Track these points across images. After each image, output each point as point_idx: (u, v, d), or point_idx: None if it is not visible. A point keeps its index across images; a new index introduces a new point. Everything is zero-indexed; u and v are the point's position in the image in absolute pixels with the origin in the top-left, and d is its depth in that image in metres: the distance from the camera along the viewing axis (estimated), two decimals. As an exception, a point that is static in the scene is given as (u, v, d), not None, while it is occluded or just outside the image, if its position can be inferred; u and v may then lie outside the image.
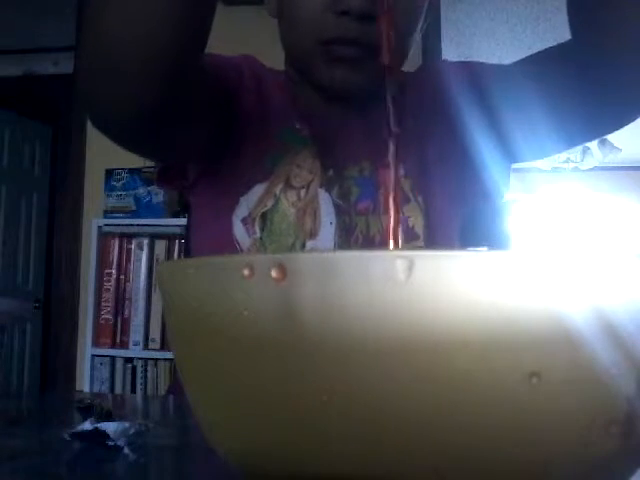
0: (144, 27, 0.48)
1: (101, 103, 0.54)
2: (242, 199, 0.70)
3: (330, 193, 0.70)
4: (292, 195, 0.70)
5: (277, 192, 0.70)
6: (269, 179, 0.70)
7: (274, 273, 0.21)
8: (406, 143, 0.73)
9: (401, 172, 0.72)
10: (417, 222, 0.71)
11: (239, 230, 0.70)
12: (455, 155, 0.72)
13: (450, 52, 3.39)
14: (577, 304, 0.20)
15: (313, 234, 0.69)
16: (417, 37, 0.69)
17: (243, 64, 0.74)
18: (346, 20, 0.63)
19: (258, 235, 0.69)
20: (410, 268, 0.20)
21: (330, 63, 0.66)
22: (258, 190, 0.70)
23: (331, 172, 0.71)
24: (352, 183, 0.72)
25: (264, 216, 0.69)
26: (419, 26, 0.69)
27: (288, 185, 0.70)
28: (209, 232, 0.75)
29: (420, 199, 0.71)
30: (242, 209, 0.70)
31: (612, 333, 0.20)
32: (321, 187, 0.70)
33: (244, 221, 0.70)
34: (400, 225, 0.72)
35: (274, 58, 0.77)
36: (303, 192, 0.70)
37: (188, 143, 0.66)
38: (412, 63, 0.73)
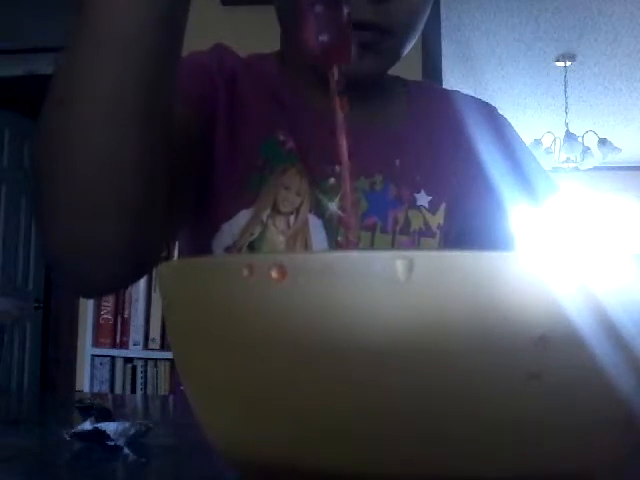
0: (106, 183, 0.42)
1: (88, 282, 0.48)
2: (224, 226, 0.64)
3: (325, 209, 0.65)
4: (281, 222, 0.64)
5: (264, 219, 0.63)
6: (254, 204, 0.64)
7: (274, 273, 0.21)
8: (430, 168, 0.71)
9: (423, 202, 0.70)
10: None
11: None
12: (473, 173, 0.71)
13: (450, 52, 3.39)
14: (577, 304, 0.20)
15: None
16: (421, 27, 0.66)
17: (213, 66, 0.66)
18: (357, 1, 0.56)
19: None
20: (410, 268, 0.20)
21: None
22: (243, 217, 0.63)
23: (332, 180, 0.65)
24: (361, 196, 0.66)
25: (251, 246, 0.63)
26: (425, 16, 0.66)
27: (276, 211, 0.64)
28: (190, 256, 0.70)
29: (441, 237, 0.69)
30: (225, 237, 0.64)
31: (612, 333, 0.20)
32: (311, 212, 0.64)
33: (228, 251, 0.64)
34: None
35: (274, 58, 0.76)
36: (292, 218, 0.64)
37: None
38: (412, 63, 0.73)
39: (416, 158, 0.70)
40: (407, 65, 0.70)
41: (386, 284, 0.20)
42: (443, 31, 2.40)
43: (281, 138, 0.66)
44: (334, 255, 0.21)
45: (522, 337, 0.20)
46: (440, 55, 2.28)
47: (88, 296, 0.57)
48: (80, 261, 0.45)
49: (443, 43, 2.37)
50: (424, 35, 0.67)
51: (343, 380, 0.21)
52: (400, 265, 0.20)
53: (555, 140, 4.14)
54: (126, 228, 0.44)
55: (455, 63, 3.65)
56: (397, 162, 0.69)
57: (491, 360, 0.20)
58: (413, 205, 0.68)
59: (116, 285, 0.50)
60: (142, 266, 0.48)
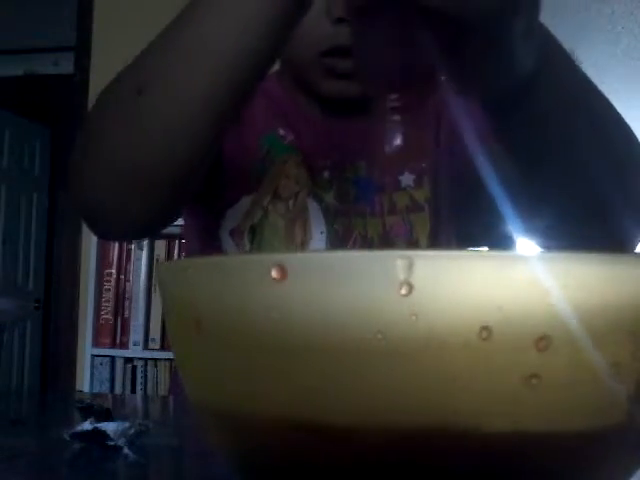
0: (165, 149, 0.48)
1: (114, 218, 0.54)
2: (229, 212, 0.69)
3: (322, 200, 0.69)
4: (281, 206, 0.68)
5: (265, 204, 0.68)
6: (256, 191, 0.69)
7: (274, 273, 0.21)
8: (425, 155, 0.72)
9: (408, 182, 0.71)
10: (422, 234, 0.70)
11: (228, 244, 0.69)
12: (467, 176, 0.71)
13: (450, 52, 3.39)
14: (577, 304, 0.20)
15: (304, 245, 0.68)
16: None
17: None
18: (343, 28, 0.57)
19: (247, 248, 0.68)
20: (410, 268, 0.20)
21: (327, 76, 0.64)
22: (245, 202, 0.69)
23: (326, 174, 0.70)
24: (350, 184, 0.70)
25: (253, 229, 0.68)
26: None
27: (276, 196, 0.69)
28: (198, 245, 0.75)
29: (430, 210, 0.70)
30: (229, 221, 0.69)
31: (612, 333, 0.20)
32: (309, 196, 0.69)
33: (232, 233, 0.69)
34: (403, 234, 0.71)
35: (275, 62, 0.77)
36: (291, 202, 0.69)
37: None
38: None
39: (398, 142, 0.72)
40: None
41: (386, 284, 0.20)
42: (443, 31, 2.40)
43: (281, 133, 0.70)
44: (334, 255, 0.21)
45: (522, 337, 0.20)
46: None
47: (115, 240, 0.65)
48: (107, 223, 0.54)
49: (443, 43, 2.37)
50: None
51: (343, 380, 0.21)
52: (400, 265, 0.20)
53: (555, 140, 4.14)
54: (161, 204, 0.52)
55: (455, 63, 3.64)
56: (379, 149, 0.71)
57: (491, 360, 0.20)
58: (398, 188, 0.71)
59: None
60: (158, 229, 0.59)
